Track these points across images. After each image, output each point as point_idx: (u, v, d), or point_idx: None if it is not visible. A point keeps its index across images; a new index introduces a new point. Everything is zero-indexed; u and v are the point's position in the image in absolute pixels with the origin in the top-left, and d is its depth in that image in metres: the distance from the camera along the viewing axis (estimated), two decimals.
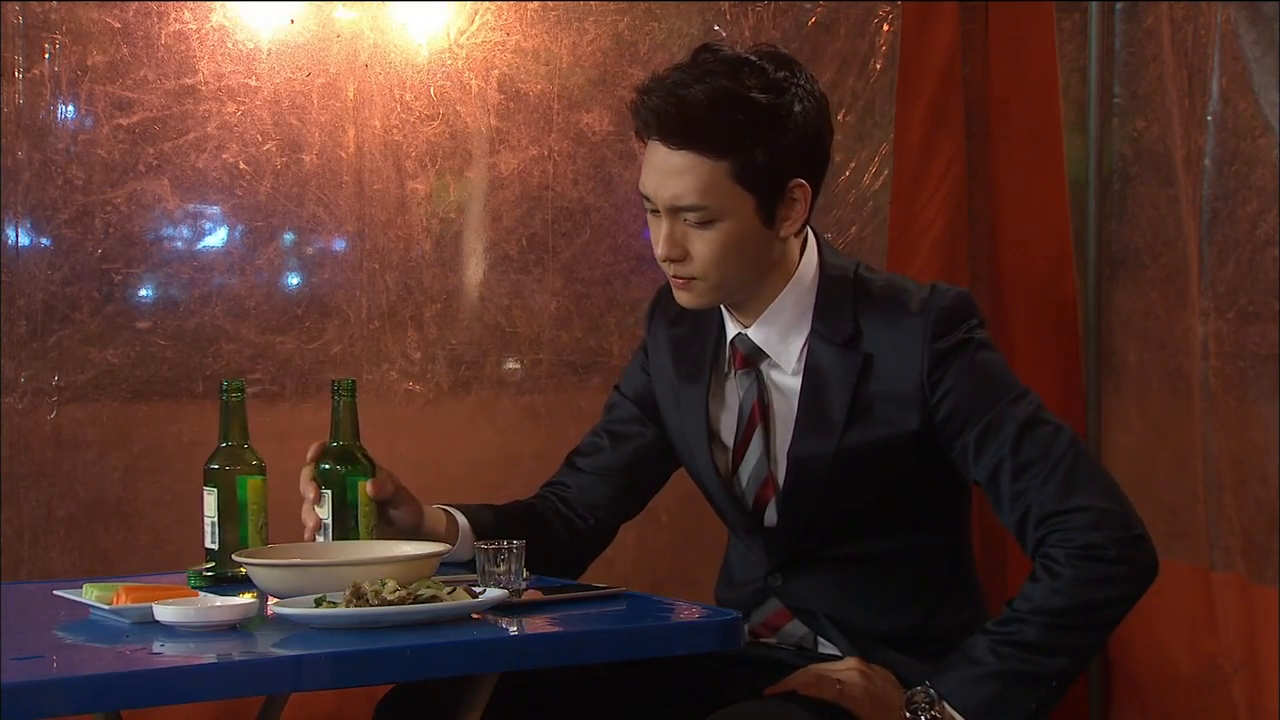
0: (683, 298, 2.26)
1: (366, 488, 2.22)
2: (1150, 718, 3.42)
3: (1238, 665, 3.17)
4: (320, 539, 2.23)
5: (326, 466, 2.24)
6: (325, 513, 2.23)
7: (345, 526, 2.22)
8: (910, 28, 3.55)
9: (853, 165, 3.53)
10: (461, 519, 2.32)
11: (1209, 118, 3.17)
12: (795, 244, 2.29)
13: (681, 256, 2.21)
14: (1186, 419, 3.28)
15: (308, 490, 2.23)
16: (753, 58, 2.19)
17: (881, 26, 3.53)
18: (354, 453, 2.25)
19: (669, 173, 2.17)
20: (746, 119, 2.15)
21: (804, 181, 2.21)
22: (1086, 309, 3.56)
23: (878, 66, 3.53)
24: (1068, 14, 3.55)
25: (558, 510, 2.45)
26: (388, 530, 2.25)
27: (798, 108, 2.18)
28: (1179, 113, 3.26)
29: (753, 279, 2.26)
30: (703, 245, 2.20)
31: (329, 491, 2.23)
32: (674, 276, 2.24)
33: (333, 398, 2.27)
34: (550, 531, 2.39)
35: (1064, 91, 3.55)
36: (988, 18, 3.62)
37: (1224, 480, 3.17)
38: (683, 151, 2.16)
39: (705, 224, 2.19)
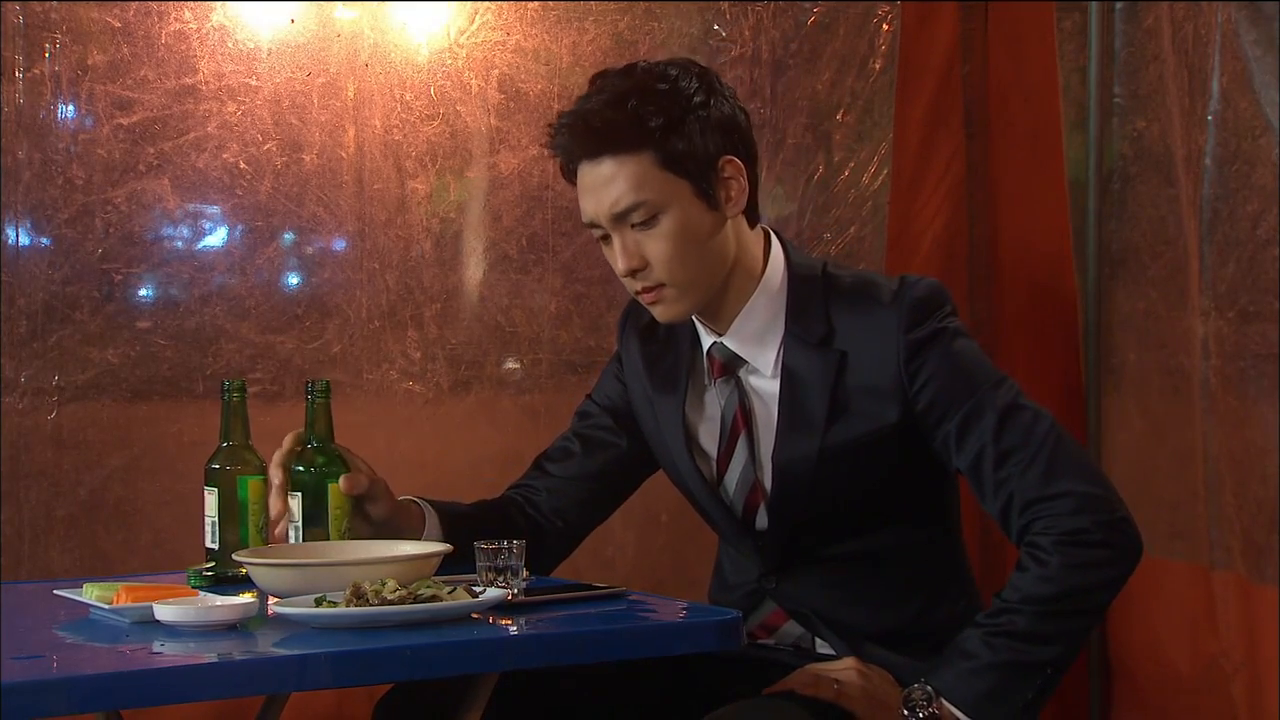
0: (658, 311, 2.26)
1: (340, 485, 2.22)
2: (1150, 718, 3.41)
3: (1238, 665, 3.16)
4: (291, 539, 2.24)
5: (301, 468, 2.25)
6: (297, 513, 2.23)
7: (316, 528, 2.23)
8: (910, 27, 3.55)
9: (852, 165, 3.53)
10: (430, 511, 2.33)
11: (1209, 117, 3.17)
12: (757, 245, 2.30)
13: (642, 265, 2.22)
14: (1186, 419, 3.27)
15: (275, 475, 2.24)
16: (644, 62, 2.25)
17: (881, 26, 3.53)
18: (329, 453, 2.26)
19: (599, 184, 2.20)
20: (650, 107, 2.18)
21: (734, 158, 2.23)
22: (1086, 309, 3.56)
23: (877, 66, 3.53)
24: (1068, 14, 3.55)
25: (523, 510, 2.44)
26: (362, 528, 2.25)
27: (694, 85, 2.21)
28: (1179, 112, 3.26)
29: (717, 272, 2.25)
30: (656, 244, 2.20)
31: (299, 493, 2.23)
32: (642, 291, 2.24)
33: (307, 398, 2.28)
34: (514, 530, 2.35)
35: (1064, 91, 3.55)
36: (988, 18, 3.62)
37: (1224, 480, 3.17)
38: (603, 158, 2.19)
39: (650, 221, 2.20)
